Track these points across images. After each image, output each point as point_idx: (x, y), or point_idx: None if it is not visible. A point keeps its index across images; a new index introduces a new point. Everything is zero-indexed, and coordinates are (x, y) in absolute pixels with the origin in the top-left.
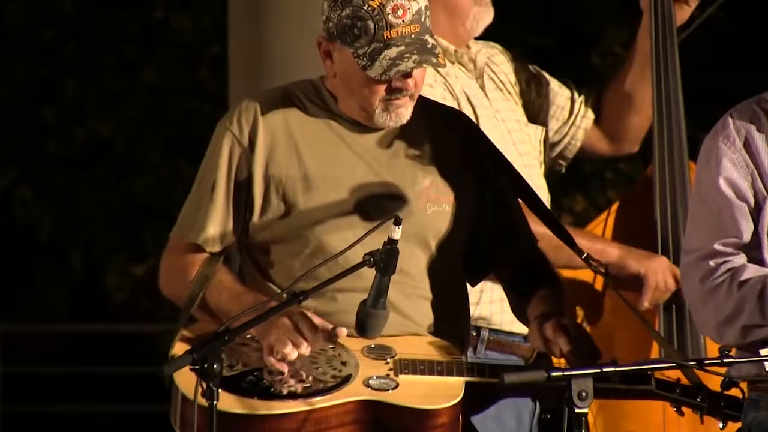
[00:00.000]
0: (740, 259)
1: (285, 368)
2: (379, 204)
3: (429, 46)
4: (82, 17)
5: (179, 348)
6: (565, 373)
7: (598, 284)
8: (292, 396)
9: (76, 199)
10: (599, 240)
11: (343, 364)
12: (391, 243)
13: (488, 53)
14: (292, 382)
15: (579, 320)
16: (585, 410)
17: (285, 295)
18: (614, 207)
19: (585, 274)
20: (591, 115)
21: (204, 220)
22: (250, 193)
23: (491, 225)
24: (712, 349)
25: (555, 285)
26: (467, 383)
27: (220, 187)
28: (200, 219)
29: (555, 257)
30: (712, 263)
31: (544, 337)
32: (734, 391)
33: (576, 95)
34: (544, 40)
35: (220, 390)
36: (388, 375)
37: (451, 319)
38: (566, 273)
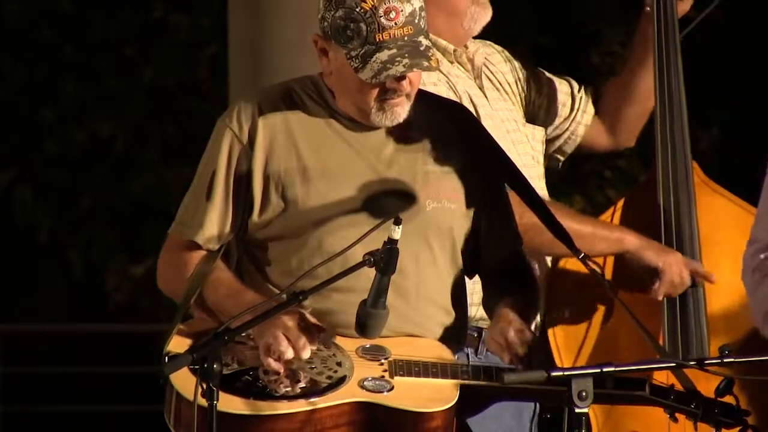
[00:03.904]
0: None
1: (281, 368)
2: (380, 203)
3: (422, 48)
4: (81, 17)
5: (175, 345)
6: (565, 373)
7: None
8: (288, 397)
9: (76, 199)
10: (617, 228)
11: (338, 364)
12: (391, 243)
13: (485, 52)
14: (287, 382)
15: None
16: (585, 410)
17: (284, 295)
18: (620, 204)
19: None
20: (591, 110)
21: (203, 218)
22: (250, 190)
23: (485, 222)
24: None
25: (528, 290)
26: (463, 385)
27: (219, 185)
28: (199, 216)
29: (541, 242)
30: (762, 256)
31: (505, 339)
32: (728, 398)
33: (576, 91)
34: (543, 40)
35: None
36: (382, 376)
37: (449, 319)
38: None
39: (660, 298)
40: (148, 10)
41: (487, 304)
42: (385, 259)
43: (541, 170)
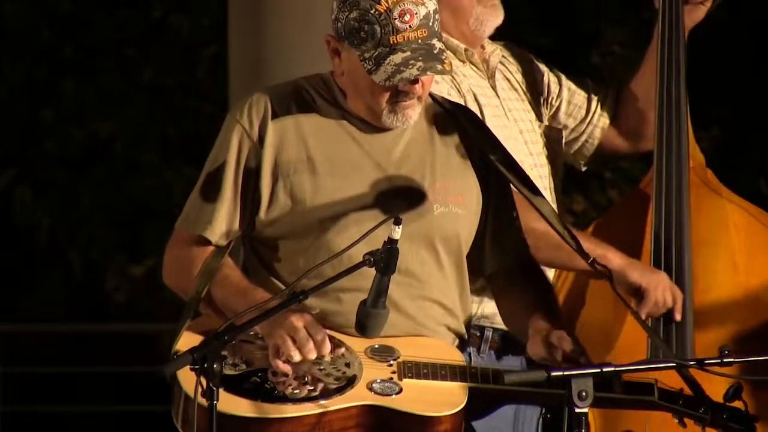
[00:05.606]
0: None
1: (290, 370)
2: (387, 203)
3: (435, 51)
4: (81, 17)
5: (183, 343)
6: (565, 373)
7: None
8: (296, 399)
9: (76, 200)
10: (601, 245)
11: (347, 365)
12: (391, 242)
13: (504, 53)
14: (295, 384)
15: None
16: (585, 410)
17: (286, 294)
18: (589, 230)
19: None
20: (608, 113)
21: (211, 213)
22: (258, 187)
23: (490, 224)
24: (700, 353)
25: (551, 300)
26: (471, 387)
27: (228, 180)
28: (207, 211)
29: (554, 256)
30: None
31: (548, 342)
32: (737, 403)
33: (593, 94)
34: (543, 40)
35: (223, 390)
36: (391, 378)
37: (453, 322)
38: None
39: (643, 317)
40: (148, 10)
41: (513, 318)
42: (385, 259)
43: (553, 170)
